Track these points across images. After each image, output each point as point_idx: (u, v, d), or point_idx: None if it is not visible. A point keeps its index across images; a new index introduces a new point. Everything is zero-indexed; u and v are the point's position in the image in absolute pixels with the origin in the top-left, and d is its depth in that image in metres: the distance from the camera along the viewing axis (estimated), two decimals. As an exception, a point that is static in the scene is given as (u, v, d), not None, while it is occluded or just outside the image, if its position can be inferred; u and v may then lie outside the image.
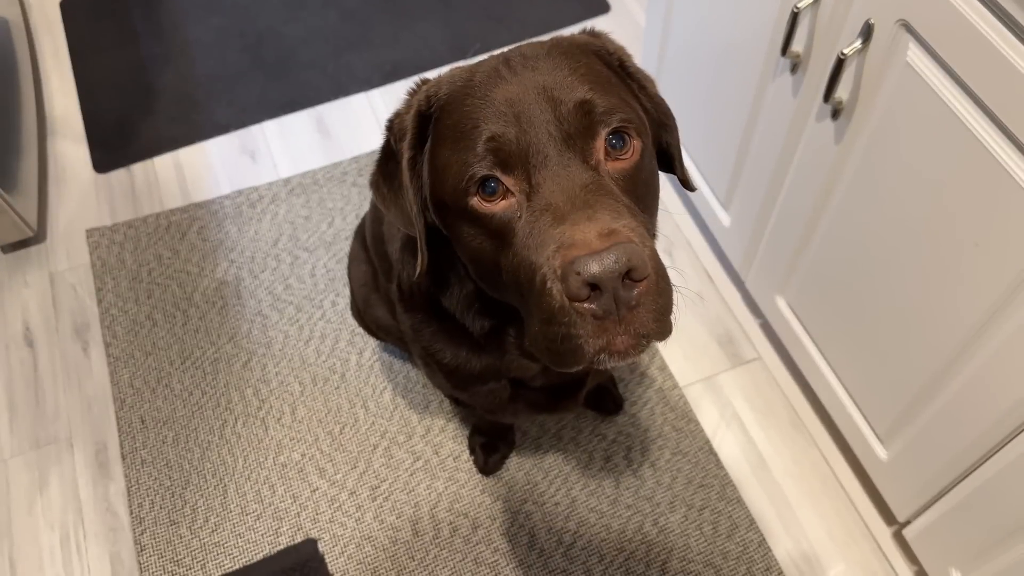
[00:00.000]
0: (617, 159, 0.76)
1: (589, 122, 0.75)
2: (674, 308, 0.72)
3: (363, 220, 1.46)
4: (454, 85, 0.82)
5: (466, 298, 0.97)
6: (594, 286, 0.66)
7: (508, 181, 0.75)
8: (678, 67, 1.61)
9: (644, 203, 0.78)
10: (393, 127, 0.87)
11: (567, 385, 1.12)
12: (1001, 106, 0.90)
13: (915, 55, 0.99)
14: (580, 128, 0.74)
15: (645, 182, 0.80)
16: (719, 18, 1.40)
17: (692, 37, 1.52)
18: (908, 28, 0.98)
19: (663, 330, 0.71)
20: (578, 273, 0.66)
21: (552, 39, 0.85)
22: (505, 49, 0.85)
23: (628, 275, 0.66)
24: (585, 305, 0.67)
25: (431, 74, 2.39)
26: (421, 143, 0.84)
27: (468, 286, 0.96)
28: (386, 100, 2.11)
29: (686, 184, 0.92)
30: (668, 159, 0.91)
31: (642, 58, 1.74)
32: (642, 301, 0.68)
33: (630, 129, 0.77)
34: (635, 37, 2.18)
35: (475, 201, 0.76)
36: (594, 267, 0.65)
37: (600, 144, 0.75)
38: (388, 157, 0.89)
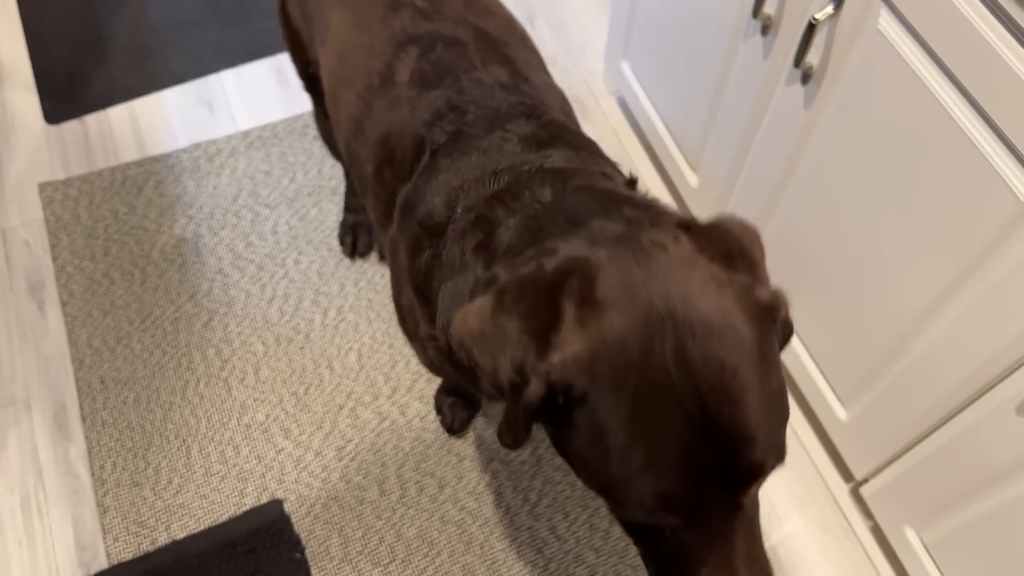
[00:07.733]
0: None
1: (753, 477, 0.70)
2: None
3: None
4: (597, 368, 0.69)
5: None
6: None
7: (668, 519, 0.71)
8: (649, 22, 1.58)
9: None
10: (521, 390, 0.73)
11: None
12: (971, 79, 0.89)
13: (886, 23, 0.98)
14: (742, 482, 0.70)
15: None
16: (690, -25, 1.37)
17: (662, -8, 1.49)
18: (881, -5, 0.97)
19: None
20: None
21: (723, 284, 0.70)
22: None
23: None
24: None
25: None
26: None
27: None
28: (349, 50, 2.05)
29: None
30: None
31: (612, 10, 1.71)
32: None
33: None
34: (604, -13, 2.13)
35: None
36: None
37: (755, 489, 0.72)
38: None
